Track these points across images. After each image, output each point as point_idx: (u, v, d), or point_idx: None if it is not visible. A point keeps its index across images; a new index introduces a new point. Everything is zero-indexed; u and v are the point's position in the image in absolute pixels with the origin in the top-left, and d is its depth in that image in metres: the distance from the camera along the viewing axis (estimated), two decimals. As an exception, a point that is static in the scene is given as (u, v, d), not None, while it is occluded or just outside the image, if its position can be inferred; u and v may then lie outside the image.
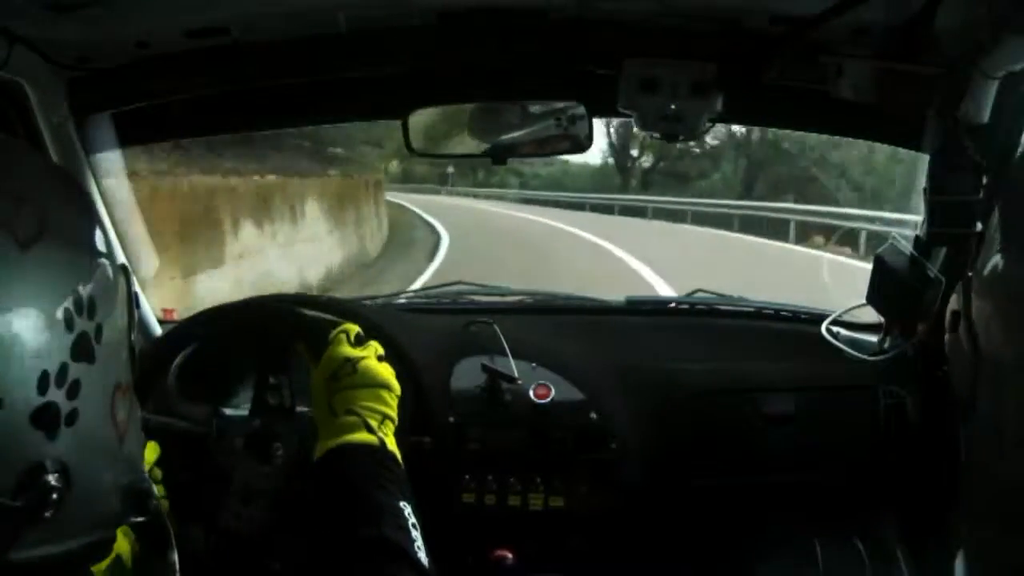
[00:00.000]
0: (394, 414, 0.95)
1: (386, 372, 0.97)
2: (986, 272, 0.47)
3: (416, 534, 0.81)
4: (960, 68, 1.17)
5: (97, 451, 0.60)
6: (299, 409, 1.22)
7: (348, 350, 0.96)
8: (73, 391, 0.56)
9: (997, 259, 0.45)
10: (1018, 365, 0.43)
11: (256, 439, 1.17)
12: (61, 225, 0.59)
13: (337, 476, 0.88)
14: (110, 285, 0.62)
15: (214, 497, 1.19)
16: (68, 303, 0.57)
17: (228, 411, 1.21)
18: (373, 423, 0.91)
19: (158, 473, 1.03)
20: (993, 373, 0.46)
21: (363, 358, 0.96)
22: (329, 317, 1.22)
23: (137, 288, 0.73)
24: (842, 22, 1.13)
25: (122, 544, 0.80)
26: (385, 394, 0.95)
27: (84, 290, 0.58)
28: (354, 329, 0.99)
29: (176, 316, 1.71)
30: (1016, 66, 1.12)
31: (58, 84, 1.32)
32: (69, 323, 0.57)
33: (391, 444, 0.92)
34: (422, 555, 0.80)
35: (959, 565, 0.52)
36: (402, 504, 0.83)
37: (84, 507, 0.59)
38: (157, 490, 0.99)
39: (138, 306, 0.69)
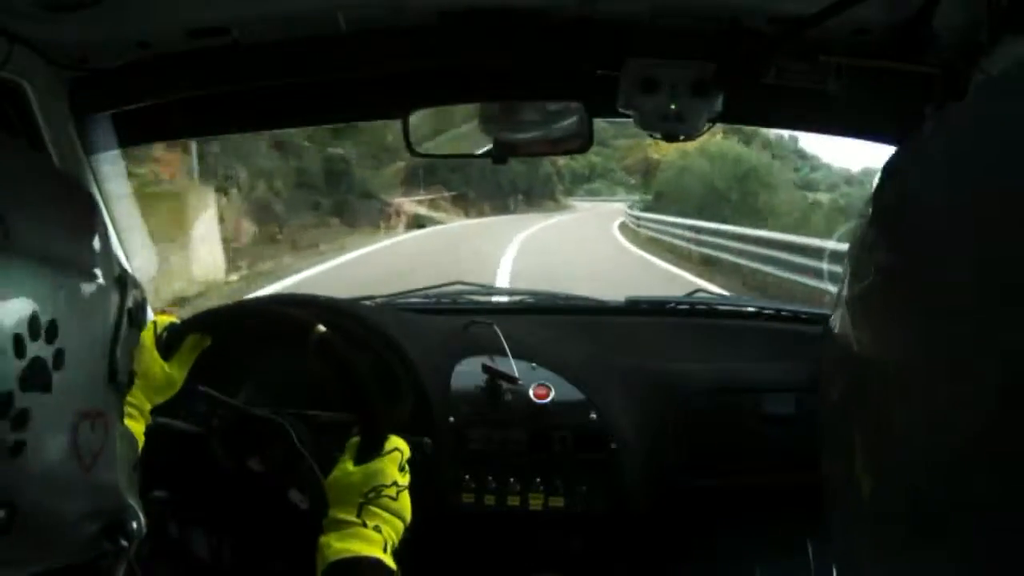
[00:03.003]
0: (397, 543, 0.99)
1: (409, 507, 1.00)
2: (850, 279, 0.48)
3: None
4: (960, 68, 1.17)
5: (52, 484, 0.55)
6: (298, 411, 1.22)
7: (396, 474, 0.98)
8: (20, 422, 0.51)
9: (859, 262, 0.46)
10: (867, 373, 0.43)
11: (256, 439, 1.17)
12: (28, 238, 0.53)
13: None
14: (90, 305, 0.57)
15: (213, 497, 1.19)
16: (21, 328, 0.51)
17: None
18: (388, 546, 0.94)
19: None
20: (844, 380, 0.47)
21: (405, 488, 0.99)
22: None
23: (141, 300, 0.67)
24: (841, 22, 1.13)
25: None
26: (402, 527, 0.98)
27: (45, 313, 0.52)
28: (406, 453, 1.01)
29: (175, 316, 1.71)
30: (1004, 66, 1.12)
31: (58, 84, 1.32)
32: (19, 349, 0.51)
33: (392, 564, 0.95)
34: None
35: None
36: None
37: (37, 539, 0.55)
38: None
39: (132, 324, 0.63)
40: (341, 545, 0.91)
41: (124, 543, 0.63)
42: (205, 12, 1.22)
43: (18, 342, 0.51)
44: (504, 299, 1.87)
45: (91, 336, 0.58)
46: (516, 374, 1.41)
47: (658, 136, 1.37)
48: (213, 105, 1.50)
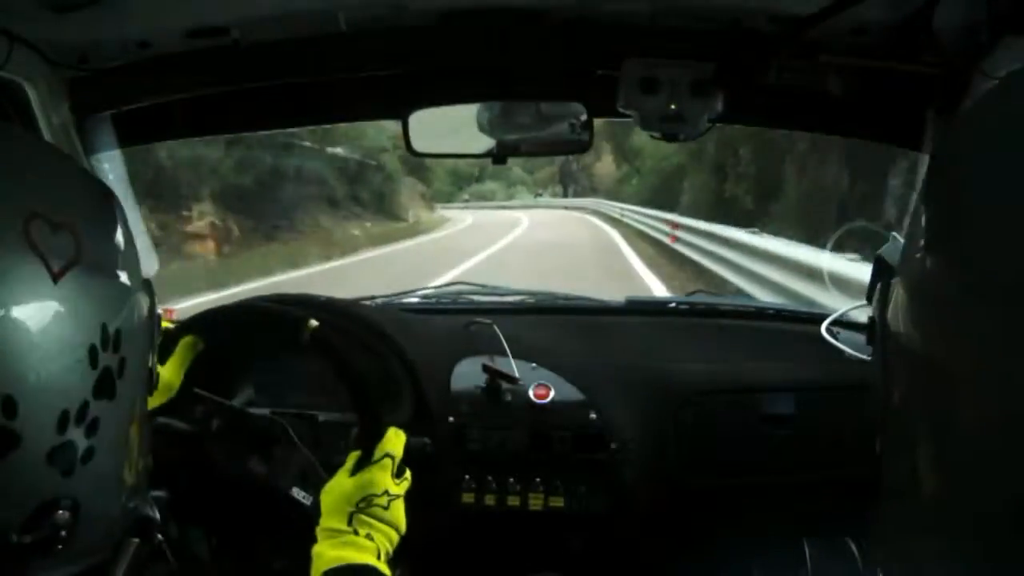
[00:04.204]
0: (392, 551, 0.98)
1: (404, 516, 0.99)
2: (908, 272, 0.47)
3: None
4: (960, 68, 1.17)
5: (108, 484, 0.59)
6: (299, 411, 1.22)
7: (390, 482, 0.98)
8: (92, 429, 0.55)
9: (921, 258, 0.44)
10: (932, 370, 0.42)
11: (255, 440, 1.17)
12: (94, 250, 0.56)
13: None
14: (138, 311, 0.60)
15: (213, 497, 1.19)
16: (95, 339, 0.54)
17: None
18: (382, 554, 0.94)
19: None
20: (906, 378, 0.46)
21: (398, 497, 0.98)
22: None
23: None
24: (841, 21, 1.14)
25: None
26: (396, 537, 0.98)
27: (112, 324, 0.56)
28: (398, 456, 1.00)
29: (176, 316, 1.71)
30: (1016, 66, 1.12)
31: (58, 84, 1.32)
32: (94, 360, 0.54)
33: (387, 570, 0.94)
34: None
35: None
36: None
37: (89, 536, 0.58)
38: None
39: (158, 326, 0.66)
40: (335, 553, 0.92)
41: (157, 536, 0.69)
42: (205, 12, 1.22)
43: (92, 353, 0.54)
44: (504, 299, 1.87)
45: (140, 342, 0.61)
46: (516, 374, 1.41)
47: (658, 136, 1.37)
48: (213, 105, 1.49)
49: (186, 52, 1.31)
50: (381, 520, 0.96)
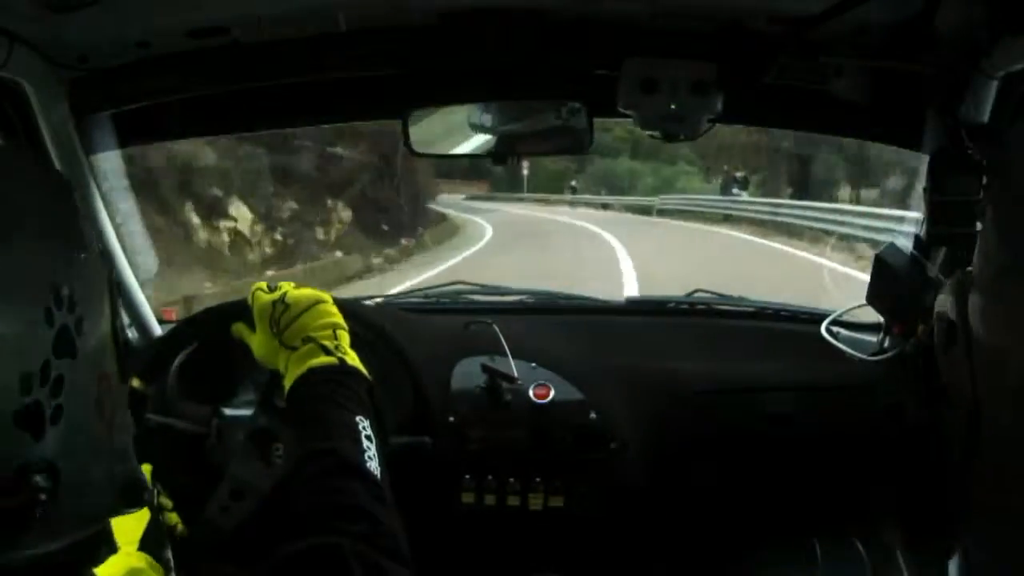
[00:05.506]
0: (340, 319, 0.96)
1: (310, 290, 0.99)
2: (982, 272, 0.47)
3: (368, 445, 0.80)
4: (960, 68, 1.17)
5: (84, 445, 0.59)
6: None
7: (269, 296, 0.98)
8: (57, 388, 0.55)
9: (993, 258, 0.44)
10: (1014, 364, 0.42)
11: (257, 438, 1.17)
12: (38, 216, 0.57)
13: (300, 404, 0.89)
14: (91, 275, 0.61)
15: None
16: (47, 297, 0.55)
17: (228, 411, 1.21)
18: (328, 343, 0.92)
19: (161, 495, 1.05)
20: (988, 371, 0.46)
21: (285, 292, 0.98)
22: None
23: (132, 279, 0.70)
24: (842, 22, 1.13)
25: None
26: (323, 307, 0.96)
27: (64, 282, 0.57)
28: (262, 283, 1.00)
29: (176, 316, 1.71)
30: (1016, 66, 1.12)
31: (58, 84, 1.32)
32: (49, 318, 0.55)
33: (350, 358, 0.92)
34: (372, 464, 0.79)
35: (954, 563, 0.52)
36: (358, 419, 0.83)
37: (74, 503, 0.57)
38: (164, 500, 1.01)
39: (120, 294, 0.67)
40: (289, 378, 0.91)
41: (136, 505, 0.66)
42: (205, 12, 1.22)
43: (48, 313, 0.55)
44: (504, 299, 1.87)
45: (97, 302, 0.62)
46: (516, 374, 1.41)
47: (658, 136, 1.37)
48: (213, 105, 1.49)
49: (186, 52, 1.31)
50: (295, 317, 0.94)
